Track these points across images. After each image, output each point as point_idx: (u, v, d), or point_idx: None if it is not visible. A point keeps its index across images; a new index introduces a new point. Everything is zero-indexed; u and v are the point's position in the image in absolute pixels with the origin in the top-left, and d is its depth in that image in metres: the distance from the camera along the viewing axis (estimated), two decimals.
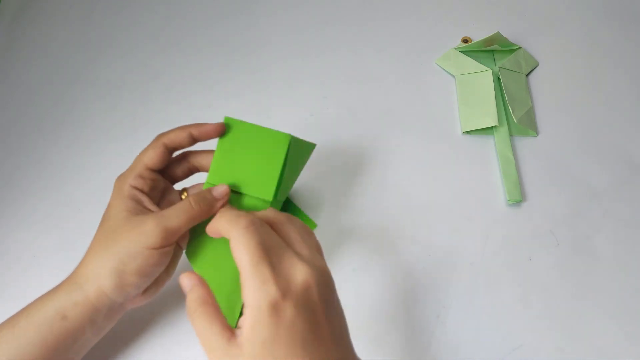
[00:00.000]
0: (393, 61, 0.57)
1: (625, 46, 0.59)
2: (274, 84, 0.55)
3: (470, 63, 0.55)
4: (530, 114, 0.53)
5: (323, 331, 0.29)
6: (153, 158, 0.37)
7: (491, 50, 0.57)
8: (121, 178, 0.37)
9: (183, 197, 0.39)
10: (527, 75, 0.56)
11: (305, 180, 0.49)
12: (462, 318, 0.42)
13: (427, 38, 0.59)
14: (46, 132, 0.52)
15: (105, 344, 0.38)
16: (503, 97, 0.53)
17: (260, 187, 0.37)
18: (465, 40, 0.58)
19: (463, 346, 0.41)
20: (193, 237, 0.37)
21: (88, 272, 0.34)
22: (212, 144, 0.38)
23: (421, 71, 0.56)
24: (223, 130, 0.37)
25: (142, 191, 0.36)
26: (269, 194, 0.37)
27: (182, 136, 0.37)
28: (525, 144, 0.51)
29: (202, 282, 0.32)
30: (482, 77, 0.54)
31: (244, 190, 0.37)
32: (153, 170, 0.38)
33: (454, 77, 0.56)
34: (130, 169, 0.37)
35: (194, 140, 0.38)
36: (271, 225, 0.32)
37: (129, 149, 0.51)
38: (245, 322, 0.28)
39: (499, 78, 0.54)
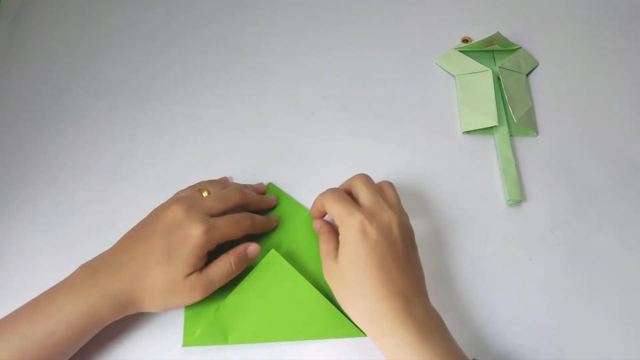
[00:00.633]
0: (393, 61, 0.57)
1: (625, 46, 0.59)
2: (274, 84, 0.55)
3: (470, 63, 0.55)
4: (530, 114, 0.53)
5: (401, 262, 0.37)
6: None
7: (491, 50, 0.57)
8: (208, 240, 0.38)
9: (203, 194, 0.42)
10: (527, 75, 0.56)
11: (305, 180, 0.49)
12: (462, 318, 0.42)
13: (427, 38, 0.59)
14: (46, 131, 0.52)
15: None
16: (503, 97, 0.53)
17: None
18: (465, 40, 0.58)
19: (463, 346, 0.41)
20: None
21: (135, 300, 0.37)
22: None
23: (421, 71, 0.56)
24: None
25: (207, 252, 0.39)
26: None
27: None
28: (525, 144, 0.51)
29: (327, 222, 0.43)
30: (482, 77, 0.54)
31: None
32: None
33: (454, 77, 0.56)
34: (214, 236, 0.39)
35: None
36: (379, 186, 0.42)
37: (129, 148, 0.51)
38: (342, 242, 0.37)
39: (499, 78, 0.54)
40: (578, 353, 0.41)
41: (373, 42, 0.58)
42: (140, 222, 0.41)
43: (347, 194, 0.41)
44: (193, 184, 0.46)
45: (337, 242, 0.39)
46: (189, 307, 0.41)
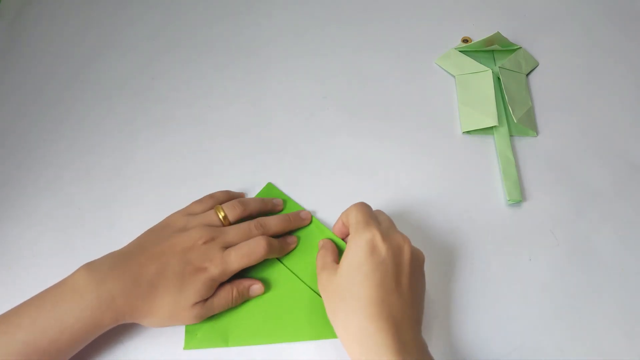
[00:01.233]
0: (393, 61, 0.57)
1: (626, 46, 0.59)
2: (274, 84, 0.55)
3: (470, 63, 0.55)
4: (530, 114, 0.53)
5: (402, 288, 0.36)
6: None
7: (491, 50, 0.57)
8: (222, 276, 0.39)
9: (220, 216, 0.42)
10: (527, 75, 0.56)
11: (305, 180, 0.49)
12: (462, 318, 0.42)
13: (427, 38, 0.59)
14: (46, 132, 0.52)
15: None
16: (503, 97, 0.53)
17: None
18: (465, 40, 0.58)
19: (463, 346, 0.41)
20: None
21: (137, 316, 0.37)
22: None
23: (421, 71, 0.56)
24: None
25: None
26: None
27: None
28: (525, 144, 0.51)
29: (330, 241, 0.43)
30: (482, 77, 0.54)
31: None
32: None
33: (454, 77, 0.56)
34: (227, 271, 0.39)
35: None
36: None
37: (129, 149, 0.51)
38: (346, 252, 0.37)
39: (499, 78, 0.54)
40: (578, 353, 0.41)
41: (373, 42, 0.58)
42: (153, 233, 0.41)
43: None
44: (199, 188, 0.46)
45: (337, 256, 0.40)
46: None
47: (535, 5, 0.62)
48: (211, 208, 0.43)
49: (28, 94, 0.55)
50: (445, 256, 0.45)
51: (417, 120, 0.53)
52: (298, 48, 0.58)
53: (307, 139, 0.52)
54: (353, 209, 0.40)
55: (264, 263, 0.43)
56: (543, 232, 0.46)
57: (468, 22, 0.60)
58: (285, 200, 0.47)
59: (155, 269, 0.37)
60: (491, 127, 0.52)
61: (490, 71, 0.54)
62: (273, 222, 0.43)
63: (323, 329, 0.40)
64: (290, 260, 0.43)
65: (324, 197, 0.48)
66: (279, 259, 0.44)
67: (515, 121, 0.51)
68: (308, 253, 0.44)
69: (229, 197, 0.46)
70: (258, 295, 0.42)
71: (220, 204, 0.43)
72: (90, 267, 0.37)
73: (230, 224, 0.42)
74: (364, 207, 0.40)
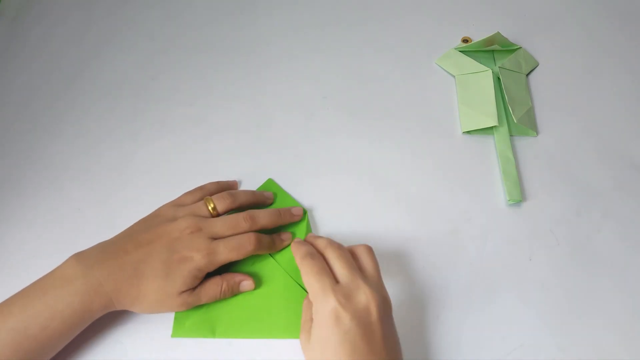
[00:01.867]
0: (393, 61, 0.57)
1: (625, 46, 0.59)
2: (274, 84, 0.55)
3: (470, 63, 0.55)
4: (530, 114, 0.53)
5: (376, 346, 0.33)
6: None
7: (491, 50, 0.57)
8: (208, 265, 0.39)
9: (209, 208, 0.42)
10: (527, 75, 0.56)
11: (304, 180, 0.49)
12: (462, 318, 0.42)
13: (427, 38, 0.59)
14: (46, 131, 0.52)
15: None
16: (503, 97, 0.53)
17: None
18: (465, 40, 0.58)
19: (463, 346, 0.41)
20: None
21: (125, 301, 0.38)
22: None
23: (421, 71, 0.56)
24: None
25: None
26: None
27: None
28: (525, 144, 0.51)
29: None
30: (482, 77, 0.54)
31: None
32: None
33: (454, 77, 0.56)
34: (214, 262, 0.39)
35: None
36: (351, 253, 0.38)
37: (129, 149, 0.51)
38: (313, 327, 0.35)
39: (499, 78, 0.54)
40: (578, 353, 0.41)
41: (373, 42, 0.58)
42: (142, 222, 0.42)
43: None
44: (200, 185, 0.46)
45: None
46: None
47: (535, 5, 0.62)
48: (201, 199, 0.43)
49: (28, 94, 0.55)
50: (446, 256, 0.45)
51: (417, 120, 0.53)
52: (298, 48, 0.58)
53: (307, 139, 0.52)
54: (304, 271, 0.36)
55: (256, 258, 0.43)
56: (543, 232, 0.46)
57: (468, 22, 0.60)
58: (285, 196, 0.47)
59: (141, 255, 0.38)
60: (491, 127, 0.52)
61: (490, 71, 0.54)
62: (262, 215, 0.43)
63: None
64: (282, 257, 0.44)
65: (323, 197, 0.48)
66: (271, 255, 0.44)
67: (515, 121, 0.51)
68: (293, 236, 0.44)
69: (219, 188, 0.46)
70: (248, 291, 0.42)
71: (211, 195, 0.44)
72: (79, 255, 0.38)
73: (219, 215, 0.43)
74: (315, 267, 0.36)
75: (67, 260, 0.38)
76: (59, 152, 0.51)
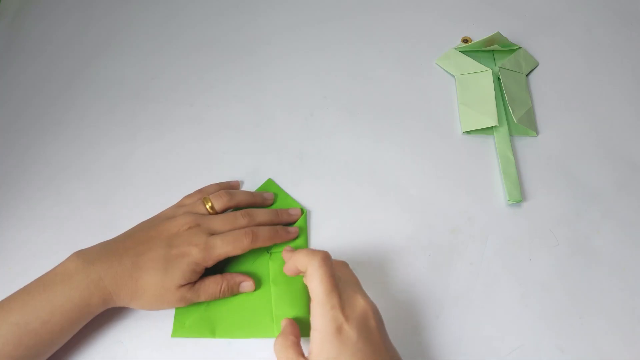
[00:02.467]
0: (393, 61, 0.57)
1: (626, 46, 0.59)
2: (274, 84, 0.55)
3: (470, 63, 0.55)
4: (530, 114, 0.53)
5: (382, 354, 0.33)
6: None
7: (491, 50, 0.57)
8: (206, 259, 0.39)
9: (207, 206, 0.43)
10: (527, 75, 0.56)
11: (304, 180, 0.49)
12: (462, 318, 0.42)
13: (427, 38, 0.58)
14: (45, 131, 0.52)
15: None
16: (503, 97, 0.53)
17: None
18: (465, 40, 0.58)
19: (463, 346, 0.41)
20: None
21: (124, 296, 0.38)
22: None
23: (421, 71, 0.56)
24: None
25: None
26: None
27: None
28: (525, 144, 0.51)
29: (292, 322, 0.38)
30: (482, 77, 0.54)
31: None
32: None
33: (454, 77, 0.56)
34: (212, 256, 0.39)
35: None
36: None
37: (128, 148, 0.51)
38: (314, 343, 0.33)
39: (499, 78, 0.54)
40: (578, 353, 0.41)
41: (373, 42, 0.58)
42: (144, 223, 0.42)
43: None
44: (200, 187, 0.47)
45: (299, 340, 0.36)
46: None
47: (535, 5, 0.62)
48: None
49: (28, 93, 0.55)
50: (445, 256, 0.45)
51: (417, 120, 0.53)
52: (298, 47, 0.58)
53: (307, 139, 0.52)
54: (314, 276, 0.35)
55: (256, 258, 0.43)
56: (543, 232, 0.46)
57: (468, 22, 0.60)
58: (284, 196, 0.47)
59: (140, 251, 0.38)
60: (491, 127, 0.52)
61: (490, 71, 0.54)
62: (260, 214, 0.43)
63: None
64: (279, 258, 0.44)
65: (323, 197, 0.48)
66: (267, 251, 0.44)
67: (515, 121, 0.51)
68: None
69: (218, 189, 0.46)
70: (248, 292, 0.42)
71: None
72: (80, 252, 0.39)
73: (217, 213, 0.43)
74: (326, 273, 0.34)
75: (68, 257, 0.38)
76: (58, 152, 0.51)
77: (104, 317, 0.40)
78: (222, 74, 0.56)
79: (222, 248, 0.40)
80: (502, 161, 0.49)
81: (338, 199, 0.48)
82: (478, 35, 0.57)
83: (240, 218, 0.42)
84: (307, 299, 0.38)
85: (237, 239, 0.40)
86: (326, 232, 0.46)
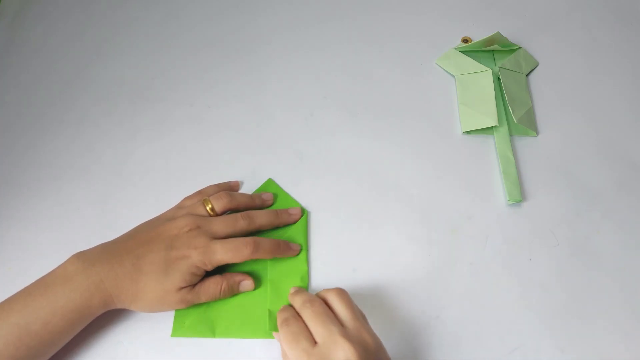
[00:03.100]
0: (393, 61, 0.57)
1: (625, 46, 0.59)
2: (274, 84, 0.55)
3: (470, 63, 0.55)
4: (530, 114, 0.53)
5: None
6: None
7: (491, 50, 0.57)
8: (206, 263, 0.39)
9: (207, 208, 0.42)
10: (527, 75, 0.56)
11: (304, 179, 0.49)
12: (462, 318, 0.42)
13: (427, 38, 0.58)
14: (46, 131, 0.52)
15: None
16: (503, 97, 0.53)
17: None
18: (465, 40, 0.58)
19: (463, 346, 0.41)
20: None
21: (124, 298, 0.38)
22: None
23: (421, 71, 0.56)
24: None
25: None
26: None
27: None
28: (525, 144, 0.51)
29: None
30: (482, 77, 0.54)
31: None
32: None
33: (454, 77, 0.56)
34: (211, 260, 0.39)
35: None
36: (324, 300, 0.37)
37: (129, 149, 0.51)
38: None
39: (499, 78, 0.54)
40: (578, 353, 0.41)
41: (373, 42, 0.58)
42: (144, 224, 0.42)
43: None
44: (199, 188, 0.47)
45: None
46: None
47: (535, 5, 0.62)
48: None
49: (28, 94, 0.55)
50: (445, 256, 0.45)
51: (417, 120, 0.53)
52: (298, 47, 0.58)
53: (307, 138, 0.52)
54: (282, 339, 0.36)
55: (255, 260, 0.43)
56: (543, 232, 0.46)
57: (468, 22, 0.60)
58: (285, 196, 0.47)
59: (140, 253, 0.38)
60: (491, 127, 0.52)
61: (490, 71, 0.54)
62: (260, 215, 0.43)
63: None
64: (278, 258, 0.44)
65: (323, 197, 0.48)
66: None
67: (515, 121, 0.51)
68: (292, 234, 0.45)
69: (217, 190, 0.46)
70: (248, 291, 0.42)
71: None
72: (80, 254, 0.39)
73: (217, 215, 0.43)
74: (291, 334, 0.35)
75: (68, 259, 0.38)
76: (58, 152, 0.51)
77: (105, 317, 0.40)
78: (222, 73, 0.56)
79: (222, 255, 0.40)
80: (502, 161, 0.49)
81: (338, 199, 0.48)
82: (478, 35, 0.57)
83: (240, 220, 0.42)
84: None
85: (237, 248, 0.40)
86: (326, 232, 0.46)
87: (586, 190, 0.49)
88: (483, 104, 0.52)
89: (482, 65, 0.55)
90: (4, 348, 0.34)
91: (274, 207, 0.47)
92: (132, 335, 0.41)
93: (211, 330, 0.41)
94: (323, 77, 0.56)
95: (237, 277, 0.42)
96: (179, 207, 0.44)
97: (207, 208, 0.43)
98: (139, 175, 0.49)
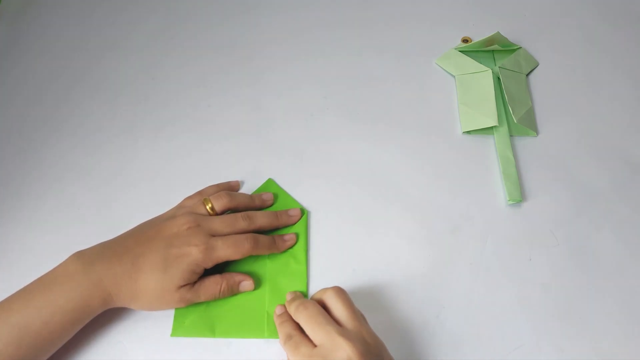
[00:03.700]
0: (393, 61, 0.57)
1: (625, 46, 0.59)
2: (275, 85, 0.55)
3: (470, 63, 0.55)
4: (530, 114, 0.53)
5: None
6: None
7: (491, 50, 0.57)
8: (205, 260, 0.39)
9: (207, 207, 0.43)
10: (527, 75, 0.56)
11: (304, 180, 0.49)
12: (462, 318, 0.42)
13: (427, 38, 0.59)
14: (47, 132, 0.52)
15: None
16: (503, 97, 0.53)
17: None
18: (465, 40, 0.58)
19: (463, 346, 0.41)
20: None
21: (124, 297, 0.38)
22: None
23: (421, 71, 0.56)
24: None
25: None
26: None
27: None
28: (525, 144, 0.51)
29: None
30: (482, 77, 0.54)
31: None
32: None
33: (454, 77, 0.56)
34: (211, 257, 0.40)
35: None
36: (322, 302, 0.37)
37: (130, 151, 0.51)
38: None
39: (499, 78, 0.54)
40: (578, 353, 0.41)
41: (373, 43, 0.58)
42: (144, 223, 0.42)
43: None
44: (200, 189, 0.47)
45: None
46: None
47: (535, 5, 0.62)
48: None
49: (28, 95, 0.55)
50: (445, 256, 0.45)
51: (417, 120, 0.53)
52: (298, 49, 0.58)
53: (307, 140, 0.52)
54: (280, 339, 0.37)
55: (255, 258, 0.43)
56: (543, 232, 0.46)
57: (468, 22, 0.60)
58: (285, 196, 0.47)
59: (140, 251, 0.38)
60: (491, 127, 0.52)
61: (490, 71, 0.54)
62: (260, 216, 0.43)
63: None
64: (275, 260, 0.44)
65: (323, 197, 0.48)
66: (267, 257, 0.44)
67: (515, 121, 0.51)
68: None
69: (218, 190, 0.46)
70: (248, 291, 0.42)
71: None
72: (80, 253, 0.39)
73: (217, 214, 0.43)
74: (282, 336, 0.37)
75: (68, 258, 0.38)
76: (60, 154, 0.51)
77: (104, 317, 0.40)
78: (224, 75, 0.56)
79: (223, 250, 0.40)
80: (502, 161, 0.49)
81: (338, 199, 0.48)
82: (478, 35, 0.57)
83: (240, 220, 0.42)
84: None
85: (238, 243, 0.40)
86: (326, 232, 0.46)
87: (586, 190, 0.49)
88: (483, 104, 0.52)
89: (482, 65, 0.55)
90: (4, 348, 0.34)
91: (274, 207, 0.47)
92: (132, 335, 0.41)
93: (211, 330, 0.41)
94: (323, 78, 0.56)
95: (237, 277, 0.42)
96: (179, 207, 0.44)
97: (207, 207, 0.43)
98: (141, 176, 0.49)
